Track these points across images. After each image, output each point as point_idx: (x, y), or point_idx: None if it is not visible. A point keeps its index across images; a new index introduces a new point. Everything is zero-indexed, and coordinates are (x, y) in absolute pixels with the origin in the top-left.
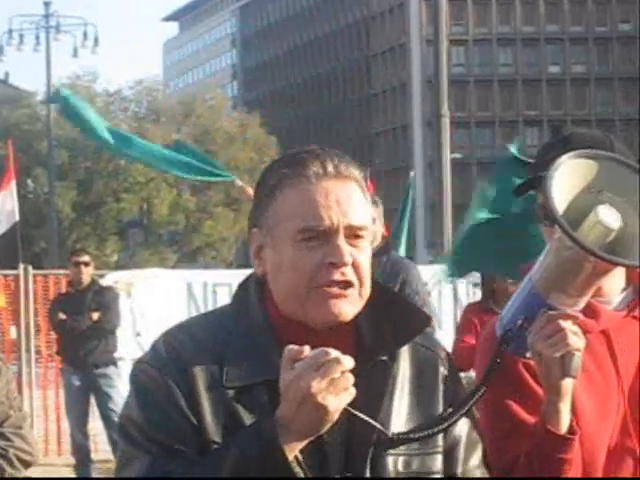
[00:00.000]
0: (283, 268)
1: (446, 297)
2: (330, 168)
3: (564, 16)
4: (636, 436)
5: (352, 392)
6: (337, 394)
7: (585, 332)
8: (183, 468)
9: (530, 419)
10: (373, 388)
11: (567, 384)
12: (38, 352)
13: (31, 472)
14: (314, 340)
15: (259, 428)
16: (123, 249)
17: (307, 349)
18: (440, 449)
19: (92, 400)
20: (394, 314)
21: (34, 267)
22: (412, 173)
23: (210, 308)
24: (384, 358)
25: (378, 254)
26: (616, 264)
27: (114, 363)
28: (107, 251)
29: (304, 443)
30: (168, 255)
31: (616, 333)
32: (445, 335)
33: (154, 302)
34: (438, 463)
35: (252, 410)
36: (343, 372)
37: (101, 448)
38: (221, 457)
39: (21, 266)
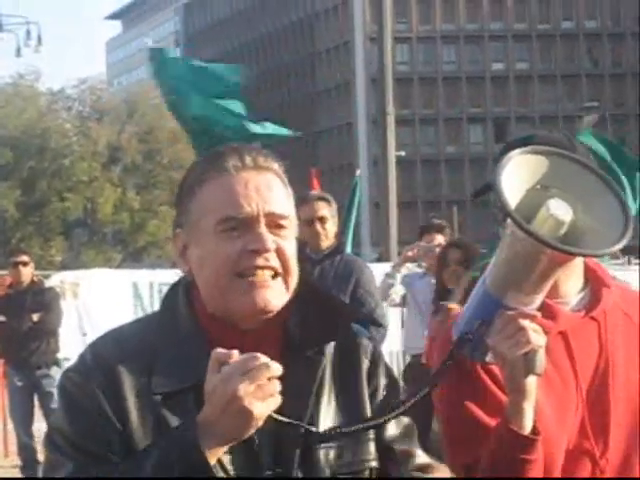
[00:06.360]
0: (205, 261)
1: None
2: (248, 160)
3: (507, 13)
4: (594, 438)
5: (278, 398)
6: (263, 400)
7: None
8: (105, 473)
9: (490, 422)
10: (301, 384)
11: (531, 383)
12: None
13: None
14: (242, 340)
15: (181, 431)
16: (68, 249)
17: (236, 353)
18: (372, 436)
19: (36, 401)
20: (321, 309)
21: None
22: (358, 172)
23: (156, 308)
24: (311, 354)
25: (331, 254)
26: (570, 254)
27: (56, 363)
28: (52, 251)
29: (226, 447)
30: (113, 254)
31: (574, 334)
32: (391, 336)
33: (100, 302)
34: (371, 449)
35: (180, 415)
36: (270, 378)
37: None
38: (142, 460)
39: None
